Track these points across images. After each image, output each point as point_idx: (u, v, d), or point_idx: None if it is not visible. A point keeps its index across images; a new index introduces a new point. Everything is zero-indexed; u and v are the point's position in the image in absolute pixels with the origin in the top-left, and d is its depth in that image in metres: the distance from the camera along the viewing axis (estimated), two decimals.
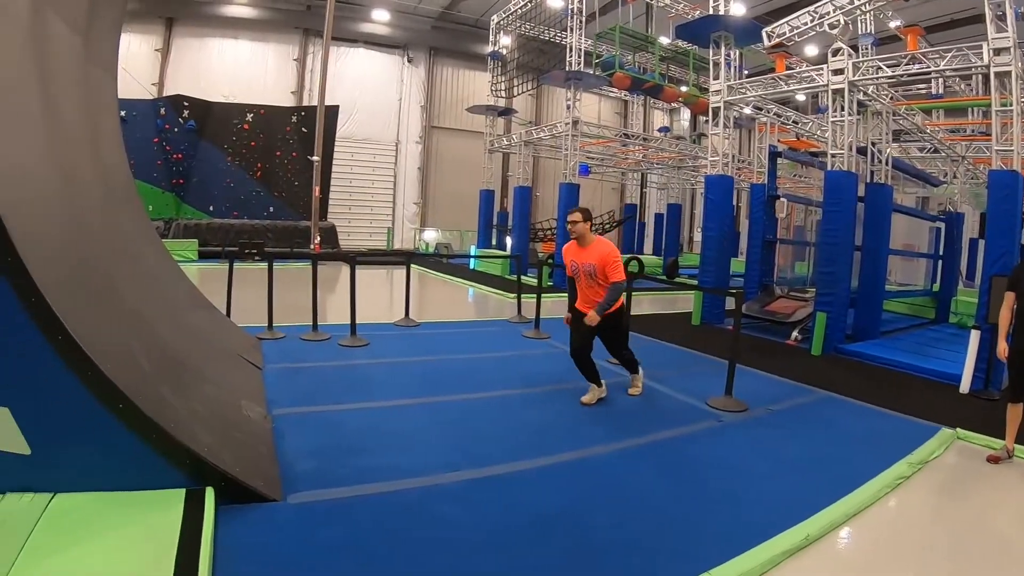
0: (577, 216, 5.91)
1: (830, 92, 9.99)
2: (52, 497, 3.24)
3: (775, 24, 11.32)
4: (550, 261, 13.20)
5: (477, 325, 10.75)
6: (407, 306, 9.97)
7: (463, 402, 5.93)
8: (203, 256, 19.34)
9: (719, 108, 12.20)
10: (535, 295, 9.92)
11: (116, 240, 5.22)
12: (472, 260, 21.19)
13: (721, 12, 12.51)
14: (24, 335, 3.16)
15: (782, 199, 12.18)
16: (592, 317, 5.65)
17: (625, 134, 23.03)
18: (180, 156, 22.34)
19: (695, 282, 12.88)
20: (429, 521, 3.56)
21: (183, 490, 3.38)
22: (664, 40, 20.36)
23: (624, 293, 6.06)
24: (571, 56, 17.96)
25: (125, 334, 4.14)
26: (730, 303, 8.98)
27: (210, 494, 3.36)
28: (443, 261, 22.47)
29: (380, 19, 29.92)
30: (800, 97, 20.80)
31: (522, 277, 11.76)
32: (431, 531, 3.45)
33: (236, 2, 27.94)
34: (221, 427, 4.15)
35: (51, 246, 3.65)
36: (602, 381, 6.13)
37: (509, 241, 22.10)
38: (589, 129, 20.03)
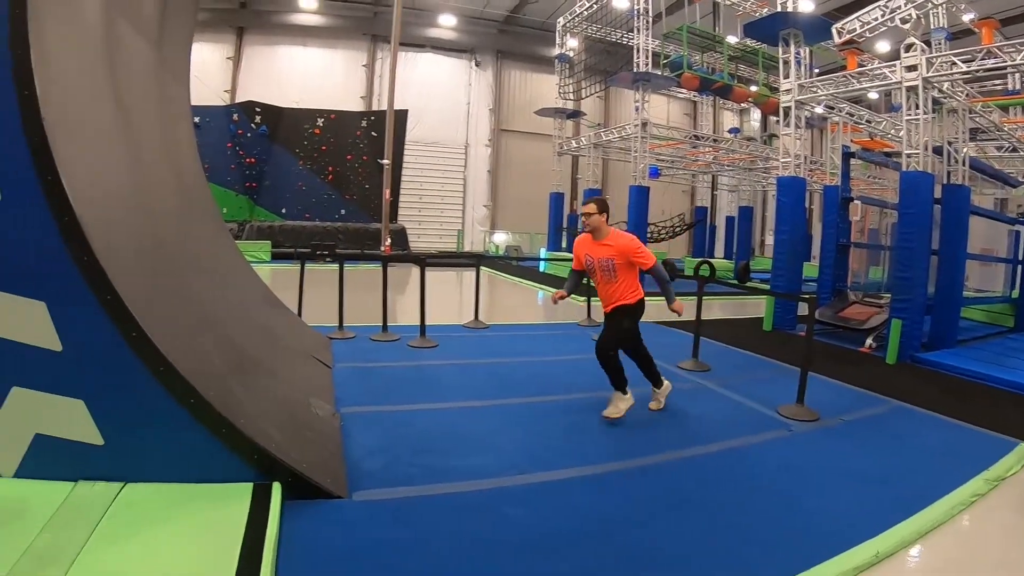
0: (592, 207, 5.44)
1: (903, 89, 9.54)
2: (122, 487, 3.36)
3: (845, 20, 10.99)
4: None
5: (546, 328, 10.71)
6: (476, 308, 9.99)
7: (530, 405, 5.89)
8: (276, 257, 19.87)
9: (790, 107, 11.87)
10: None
11: (190, 241, 5.39)
12: (542, 263, 21.14)
13: (789, 9, 12.20)
14: (101, 332, 3.32)
15: (856, 201, 11.72)
16: (679, 306, 5.54)
17: (695, 135, 22.72)
18: (253, 160, 23.06)
19: (766, 287, 12.55)
20: (493, 523, 3.54)
21: (250, 484, 3.45)
22: (732, 39, 20.02)
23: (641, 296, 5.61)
24: (638, 57, 17.79)
25: (198, 331, 4.27)
26: (802, 308, 8.72)
27: (277, 489, 3.43)
28: (512, 264, 22.49)
29: (447, 24, 30.29)
30: (873, 95, 20.16)
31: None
32: (495, 532, 3.43)
33: (305, 10, 28.86)
34: (290, 424, 4.23)
35: (127, 247, 3.81)
36: (628, 390, 5.60)
37: None
38: (658, 131, 19.79)
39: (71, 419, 3.34)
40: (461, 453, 4.56)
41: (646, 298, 5.61)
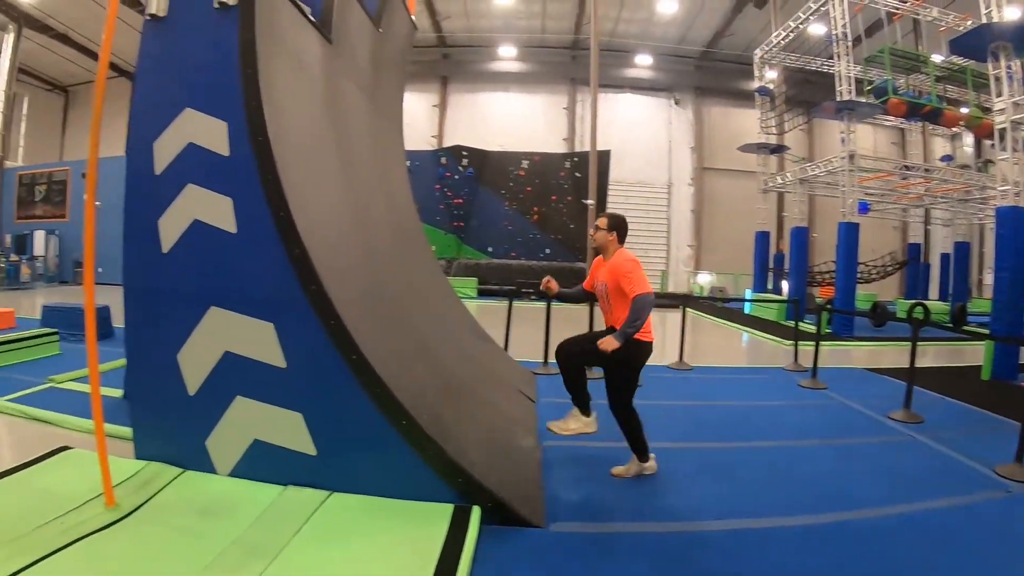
0: (602, 222, 4.78)
1: None
2: (329, 495, 3.63)
3: None
4: (829, 306, 12.18)
5: (751, 372, 10.17)
6: (681, 349, 9.74)
7: (733, 450, 5.60)
8: (482, 293, 20.74)
9: (1005, 129, 10.50)
10: (813, 342, 9.17)
11: (404, 273, 5.75)
12: (747, 304, 20.21)
13: (995, 19, 10.80)
14: (323, 353, 3.65)
15: None
16: (608, 342, 4.26)
17: (904, 166, 20.57)
18: (461, 201, 24.36)
19: (985, 331, 11.04)
20: (687, 566, 3.38)
21: (451, 506, 3.56)
22: (937, 58, 18.13)
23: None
24: (841, 85, 16.54)
25: (412, 357, 4.53)
26: None
27: (476, 513, 3.50)
28: (717, 305, 21.69)
29: (643, 63, 30.46)
30: None
31: (799, 323, 10.98)
32: None
33: (504, 58, 30.62)
34: (493, 452, 4.32)
35: (349, 276, 4.16)
36: (592, 412, 4.86)
37: (785, 285, 20.77)
38: (865, 162, 18.25)
39: (289, 429, 3.68)
40: (659, 493, 4.44)
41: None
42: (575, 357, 4.74)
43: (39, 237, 26.26)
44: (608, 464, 4.94)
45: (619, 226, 4.74)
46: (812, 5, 18.44)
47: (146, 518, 3.40)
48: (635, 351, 4.51)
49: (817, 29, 19.96)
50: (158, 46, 4.25)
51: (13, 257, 24.90)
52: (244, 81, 3.88)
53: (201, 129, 3.97)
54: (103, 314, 9.90)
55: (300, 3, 4.85)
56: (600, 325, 5.05)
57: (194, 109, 4.01)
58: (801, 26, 19.71)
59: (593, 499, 4.21)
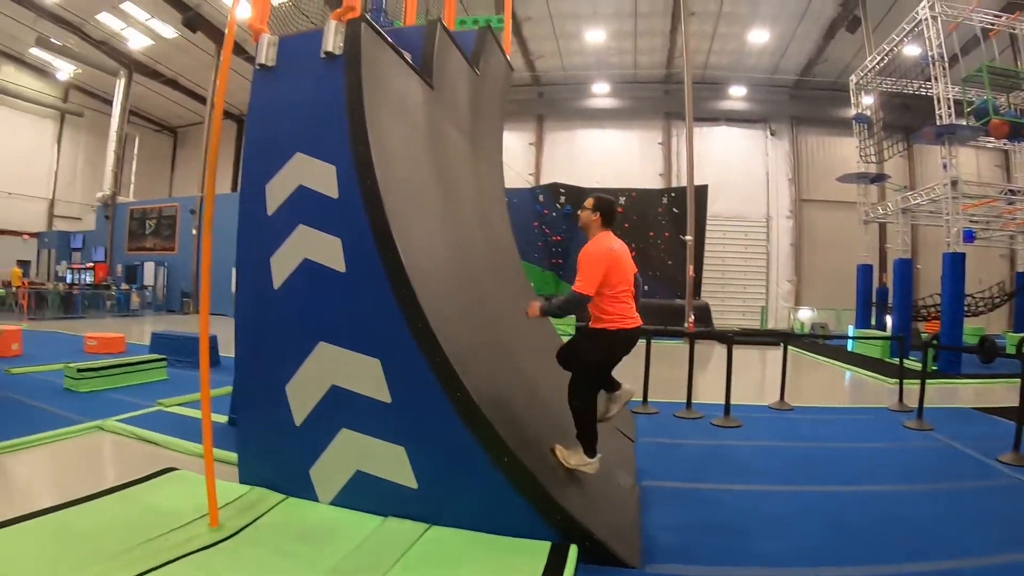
0: (588, 202, 4.55)
1: None
2: (428, 528, 3.72)
3: None
4: (935, 342, 11.59)
5: (854, 412, 9.73)
6: (782, 389, 9.45)
7: (835, 493, 5.36)
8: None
9: None
10: (918, 381, 8.76)
11: (505, 310, 5.82)
12: (850, 341, 19.43)
13: None
14: (428, 389, 3.77)
15: None
16: (532, 307, 4.31)
17: (1010, 190, 19.41)
18: (559, 238, 24.40)
19: None
20: None
21: (548, 543, 3.57)
22: None
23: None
24: (939, 108, 15.86)
25: (514, 393, 4.60)
26: None
27: (573, 551, 3.50)
28: (819, 342, 20.94)
29: (737, 95, 29.95)
30: None
31: (904, 360, 10.50)
32: None
33: (598, 95, 30.75)
34: (592, 491, 4.30)
35: (454, 315, 4.34)
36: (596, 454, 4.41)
37: (889, 320, 19.94)
38: (969, 188, 17.34)
39: (391, 462, 3.81)
40: (758, 537, 4.28)
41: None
42: (560, 358, 4.62)
43: (149, 268, 27.87)
44: (710, 505, 4.87)
45: (604, 207, 4.52)
46: (905, 26, 17.88)
47: (249, 540, 3.55)
48: (598, 337, 4.32)
49: (912, 50, 19.27)
50: (268, 94, 4.54)
51: (124, 286, 26.41)
52: (351, 127, 4.08)
53: (311, 172, 4.20)
54: (211, 343, 10.38)
55: (402, 50, 5.06)
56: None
57: (304, 153, 4.25)
58: (895, 48, 19.10)
59: (691, 541, 4.12)
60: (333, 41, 4.25)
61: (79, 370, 8.14)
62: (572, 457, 4.34)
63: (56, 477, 5.07)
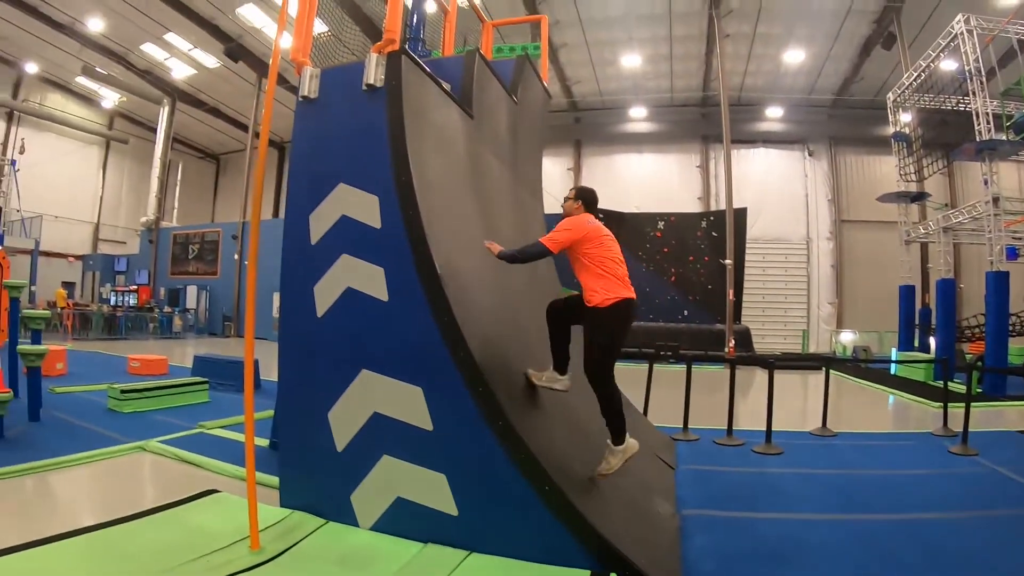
0: (570, 192, 4.90)
1: None
2: (468, 555, 3.72)
3: None
4: (979, 364, 11.30)
5: (897, 437, 9.50)
6: (824, 414, 9.28)
7: (881, 522, 5.21)
8: (621, 356, 20.36)
9: None
10: (963, 404, 8.56)
11: (547, 337, 5.84)
12: (893, 365, 19.03)
13: None
14: (469, 417, 3.82)
15: None
16: (492, 245, 4.48)
17: None
18: None
19: None
20: None
21: (588, 572, 3.54)
22: None
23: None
24: (978, 123, 15.56)
25: (554, 421, 4.61)
26: None
27: None
28: (861, 366, 20.54)
29: (774, 116, 29.75)
30: None
31: (949, 383, 10.26)
32: None
33: (635, 119, 30.83)
34: (632, 519, 4.29)
35: (495, 344, 4.43)
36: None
37: (933, 342, 19.50)
38: (1011, 204, 16.94)
39: (432, 489, 3.86)
40: (803, 568, 4.17)
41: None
42: (558, 311, 4.86)
43: (191, 292, 28.44)
44: (752, 535, 4.77)
45: (586, 195, 4.82)
46: (941, 41, 17.66)
47: (288, 564, 3.59)
48: (602, 314, 4.45)
49: (948, 65, 18.97)
50: (311, 125, 4.65)
51: (167, 309, 26.93)
52: (393, 157, 4.17)
53: (354, 202, 4.29)
54: (254, 367, 10.53)
55: (442, 81, 5.15)
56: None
57: (347, 184, 4.34)
58: (932, 64, 18.85)
59: (733, 572, 4.04)
60: (375, 74, 4.34)
61: (123, 391, 8.32)
62: (613, 459, 4.39)
63: (99, 496, 5.21)
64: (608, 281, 4.45)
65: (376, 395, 4.06)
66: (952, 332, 17.96)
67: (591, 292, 4.47)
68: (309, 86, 4.58)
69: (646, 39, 25.15)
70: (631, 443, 4.47)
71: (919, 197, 22.15)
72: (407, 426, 3.95)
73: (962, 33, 16.28)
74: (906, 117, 21.64)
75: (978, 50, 16.01)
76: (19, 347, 7.66)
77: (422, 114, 4.63)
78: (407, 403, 3.95)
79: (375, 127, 4.31)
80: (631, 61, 26.84)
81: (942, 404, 9.61)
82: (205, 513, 4.37)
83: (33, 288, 20.53)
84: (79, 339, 21.18)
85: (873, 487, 6.37)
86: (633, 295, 4.55)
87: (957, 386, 12.28)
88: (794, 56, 25.76)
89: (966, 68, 16.18)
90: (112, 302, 28.15)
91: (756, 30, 24.05)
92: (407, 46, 4.69)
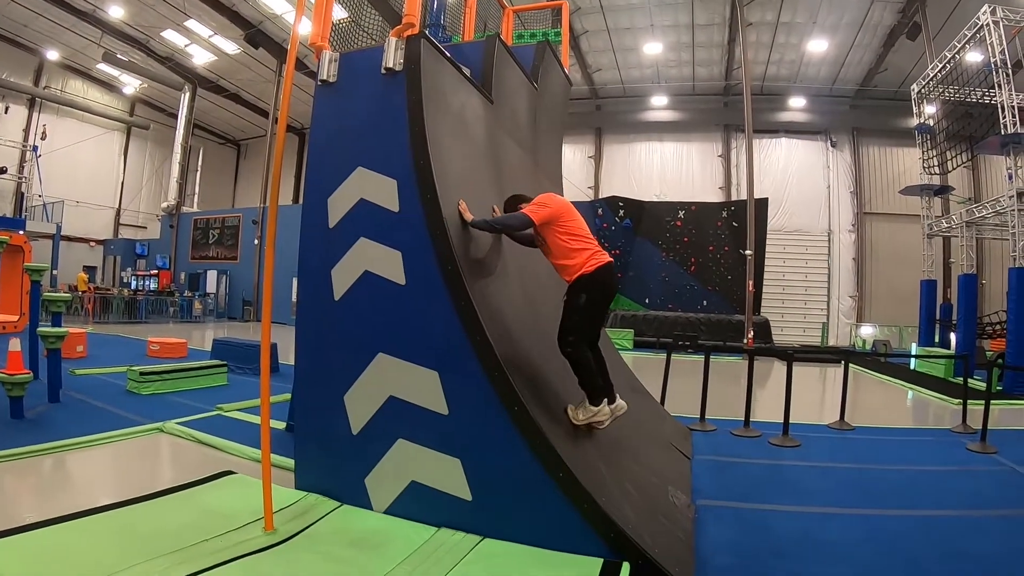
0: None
1: None
2: (481, 540, 3.72)
3: None
4: (1000, 361, 11.12)
5: (916, 433, 9.43)
6: (843, 408, 9.19)
7: (896, 518, 5.16)
8: (638, 345, 20.44)
9: None
10: (982, 401, 8.45)
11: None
12: (912, 360, 18.81)
13: None
14: (485, 402, 3.80)
15: None
16: (465, 212, 4.38)
17: None
18: (618, 252, 24.24)
19: None
20: None
21: (601, 560, 3.52)
22: None
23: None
24: (1004, 116, 15.28)
25: None
26: None
27: (626, 569, 3.44)
28: (881, 360, 20.34)
29: (796, 106, 29.35)
30: None
31: (969, 380, 10.14)
32: None
33: (656, 107, 30.57)
34: (646, 508, 4.24)
35: (510, 327, 4.39)
36: (616, 399, 4.56)
37: (953, 338, 19.25)
38: None
39: (446, 474, 3.86)
40: (816, 561, 4.14)
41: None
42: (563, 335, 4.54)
43: (211, 276, 28.68)
44: (766, 527, 4.75)
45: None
46: (967, 32, 17.33)
47: (302, 545, 3.61)
48: (579, 284, 4.40)
49: (974, 57, 18.62)
50: (330, 110, 4.63)
51: (187, 293, 27.17)
52: (412, 141, 4.15)
53: (372, 186, 4.27)
54: (272, 351, 10.63)
55: (461, 66, 5.11)
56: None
57: (365, 168, 4.33)
58: (957, 56, 18.51)
59: (746, 565, 4.01)
60: (394, 57, 4.31)
61: (142, 373, 8.42)
62: (580, 413, 4.38)
63: (117, 476, 5.29)
64: (589, 252, 4.45)
65: (392, 379, 4.06)
66: (973, 328, 17.70)
67: (574, 266, 4.41)
68: (328, 70, 4.56)
69: (668, 26, 24.90)
70: (602, 408, 4.40)
71: (942, 190, 21.84)
72: (422, 410, 3.94)
73: (988, 24, 15.95)
74: (930, 109, 21.29)
75: (1004, 42, 15.70)
76: (39, 329, 7.74)
77: (441, 98, 4.60)
78: (423, 387, 3.94)
79: (394, 111, 4.28)
80: (652, 49, 26.58)
81: (961, 401, 9.51)
82: (221, 494, 4.41)
83: (55, 272, 20.75)
84: (100, 323, 21.44)
85: (890, 483, 6.32)
86: (610, 258, 4.59)
87: (977, 383, 12.15)
88: (818, 45, 25.41)
89: (992, 60, 15.91)
90: (133, 286, 28.45)
91: (779, 18, 23.72)
92: (427, 31, 4.65)
